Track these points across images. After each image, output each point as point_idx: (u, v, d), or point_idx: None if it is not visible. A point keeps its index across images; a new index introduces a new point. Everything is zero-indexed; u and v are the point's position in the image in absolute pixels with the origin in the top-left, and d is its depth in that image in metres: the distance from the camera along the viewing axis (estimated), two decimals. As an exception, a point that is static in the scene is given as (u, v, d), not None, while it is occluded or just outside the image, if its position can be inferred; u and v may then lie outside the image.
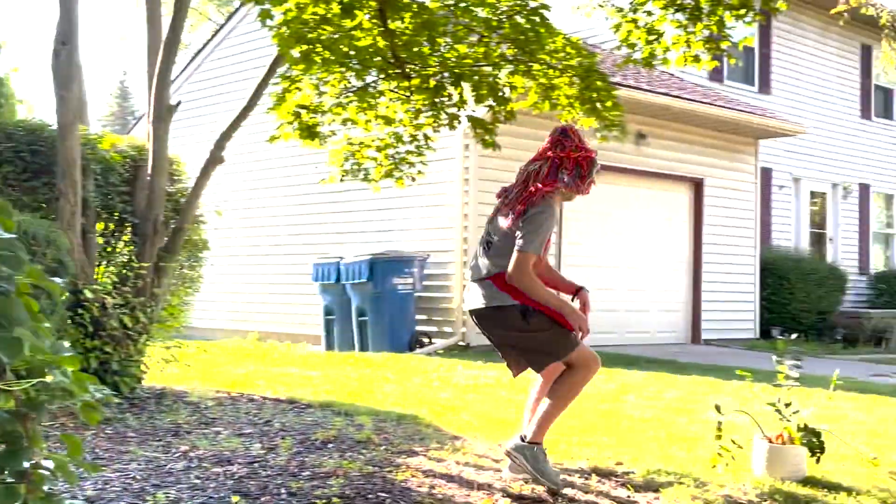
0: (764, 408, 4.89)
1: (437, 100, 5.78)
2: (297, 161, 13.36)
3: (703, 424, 5.94)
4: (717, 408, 4.87)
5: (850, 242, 18.53)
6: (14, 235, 1.86)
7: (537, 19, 5.37)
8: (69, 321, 5.76)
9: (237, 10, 16.26)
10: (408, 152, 6.41)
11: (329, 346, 11.94)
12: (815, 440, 4.71)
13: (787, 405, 4.83)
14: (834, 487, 4.65)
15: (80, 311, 5.85)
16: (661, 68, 15.12)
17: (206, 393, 6.61)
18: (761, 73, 16.93)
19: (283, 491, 4.01)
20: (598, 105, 5.86)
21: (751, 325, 14.89)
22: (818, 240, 18.15)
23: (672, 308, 14.06)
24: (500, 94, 5.79)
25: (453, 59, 5.54)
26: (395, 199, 11.99)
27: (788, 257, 15.89)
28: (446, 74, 5.56)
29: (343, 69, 5.50)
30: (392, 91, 5.96)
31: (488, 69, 5.75)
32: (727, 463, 4.79)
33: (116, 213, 6.63)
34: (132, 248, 6.43)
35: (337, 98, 5.95)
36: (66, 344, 1.91)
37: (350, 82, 5.85)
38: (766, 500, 4.34)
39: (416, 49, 5.33)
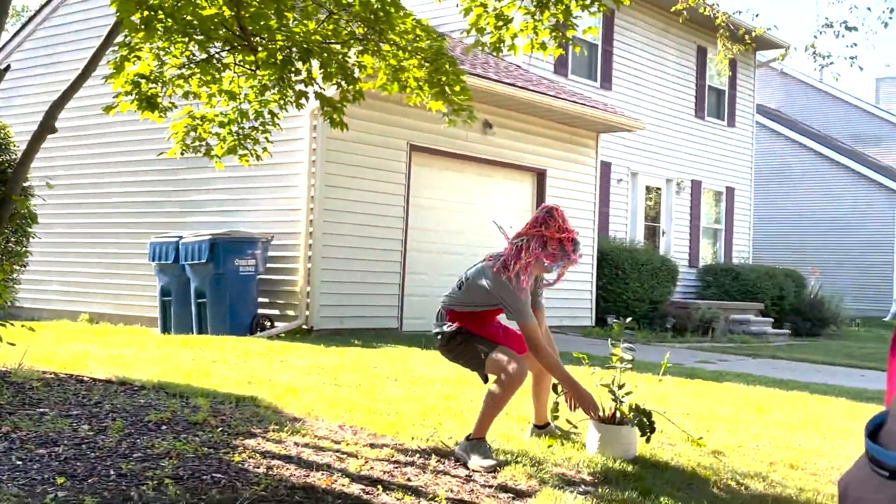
0: (598, 387, 5.04)
1: (284, 75, 5.66)
2: (136, 136, 12.88)
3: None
4: (555, 388, 5.00)
5: (682, 236, 19.43)
6: None
7: (388, -1, 5.33)
8: None
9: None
10: (252, 129, 6.26)
11: (166, 329, 11.56)
12: (645, 420, 4.89)
13: (620, 387, 5.00)
14: (662, 466, 4.86)
15: None
16: (509, 59, 15.37)
17: (31, 373, 6.27)
18: (603, 69, 17.46)
19: (112, 472, 3.85)
20: (447, 89, 5.89)
21: (587, 314, 15.35)
22: (652, 233, 18.93)
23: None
24: (350, 73, 5.73)
25: (301, 34, 5.43)
26: (240, 179, 11.74)
27: (624, 248, 16.47)
28: (294, 50, 5.44)
29: (186, 39, 5.30)
30: (237, 65, 5.79)
31: (337, 47, 5.67)
32: (562, 443, 4.92)
33: (-65, 182, 6.19)
34: (-48, 219, 6.02)
35: (179, 69, 5.74)
36: None
37: (193, 53, 5.65)
38: (597, 478, 4.48)
39: (263, 22, 5.18)
